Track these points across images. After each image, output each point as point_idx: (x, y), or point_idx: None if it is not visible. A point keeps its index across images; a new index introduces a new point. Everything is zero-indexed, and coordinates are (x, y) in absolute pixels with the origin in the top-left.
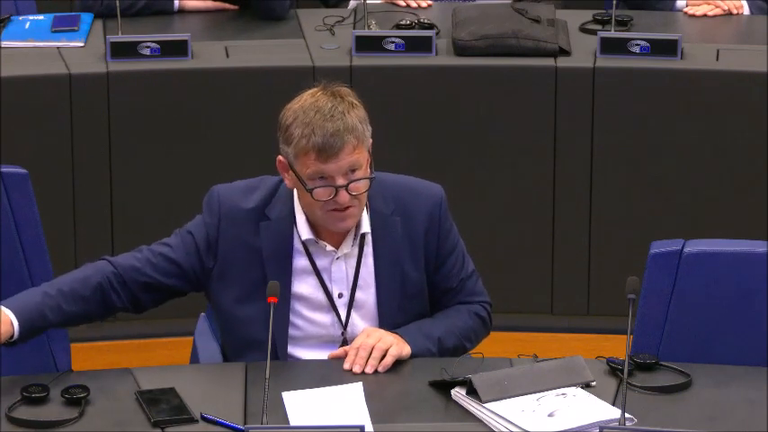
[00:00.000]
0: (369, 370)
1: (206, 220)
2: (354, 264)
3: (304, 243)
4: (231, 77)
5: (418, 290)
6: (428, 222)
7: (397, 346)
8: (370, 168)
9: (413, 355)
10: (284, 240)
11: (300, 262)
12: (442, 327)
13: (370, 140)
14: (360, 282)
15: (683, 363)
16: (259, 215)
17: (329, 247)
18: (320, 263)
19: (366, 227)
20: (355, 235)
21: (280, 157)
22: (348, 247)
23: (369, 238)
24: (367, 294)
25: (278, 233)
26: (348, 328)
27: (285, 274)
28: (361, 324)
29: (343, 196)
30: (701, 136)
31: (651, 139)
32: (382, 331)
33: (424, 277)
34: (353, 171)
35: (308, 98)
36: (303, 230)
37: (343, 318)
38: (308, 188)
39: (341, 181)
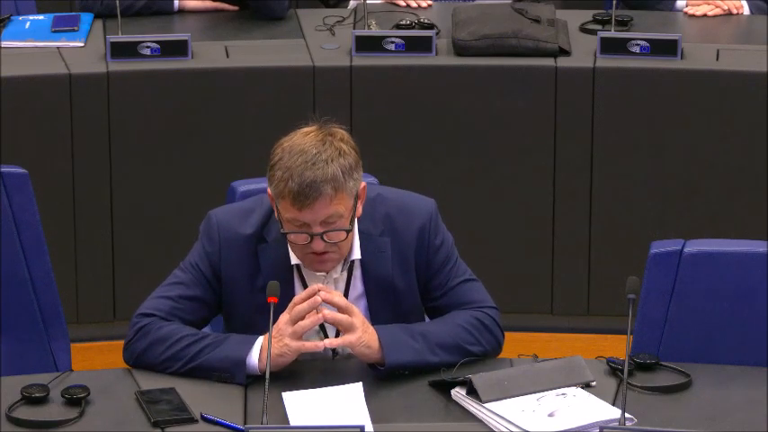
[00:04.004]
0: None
1: (207, 250)
2: (344, 287)
3: (297, 266)
4: (231, 77)
5: (412, 305)
6: (418, 240)
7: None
8: (352, 215)
9: (382, 342)
10: (282, 261)
11: (295, 283)
12: (427, 325)
13: (361, 185)
14: None
15: (683, 363)
16: (257, 239)
17: (319, 272)
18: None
19: (356, 253)
20: (345, 260)
21: (268, 191)
22: (337, 273)
23: (358, 262)
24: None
25: (276, 254)
26: (338, 350)
27: (288, 296)
28: None
29: (318, 244)
30: (701, 136)
31: (651, 138)
32: (370, 336)
33: (417, 293)
34: (332, 221)
35: (300, 137)
36: (292, 255)
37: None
38: (283, 231)
39: (317, 229)
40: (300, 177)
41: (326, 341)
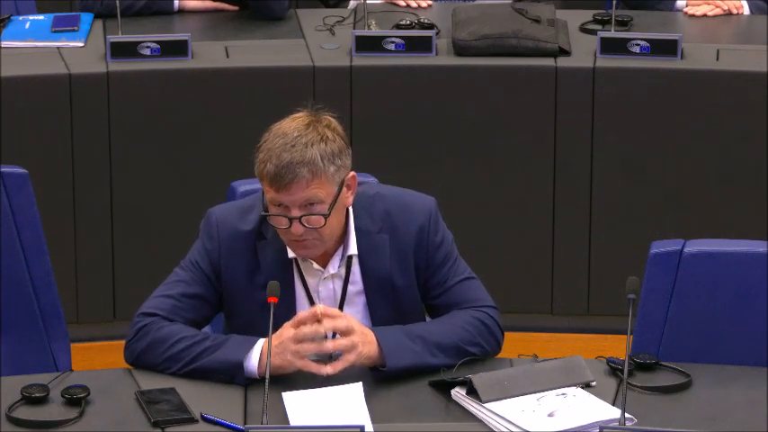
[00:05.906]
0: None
1: (207, 247)
2: (341, 283)
3: (295, 260)
4: (231, 77)
5: (411, 304)
6: (418, 238)
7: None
8: (334, 201)
9: (382, 347)
10: (281, 257)
11: (295, 279)
12: (427, 327)
13: (348, 174)
14: (347, 300)
15: (683, 363)
16: (257, 235)
17: (316, 266)
18: (309, 281)
19: (353, 249)
20: (342, 255)
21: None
22: (335, 268)
23: (356, 259)
24: (354, 312)
25: (274, 251)
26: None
27: (287, 292)
28: None
29: (297, 228)
30: (700, 136)
31: (651, 139)
32: (369, 347)
33: (416, 291)
34: (311, 204)
35: (288, 122)
36: (289, 249)
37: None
38: (263, 212)
39: (295, 212)
40: (278, 159)
41: (329, 368)
